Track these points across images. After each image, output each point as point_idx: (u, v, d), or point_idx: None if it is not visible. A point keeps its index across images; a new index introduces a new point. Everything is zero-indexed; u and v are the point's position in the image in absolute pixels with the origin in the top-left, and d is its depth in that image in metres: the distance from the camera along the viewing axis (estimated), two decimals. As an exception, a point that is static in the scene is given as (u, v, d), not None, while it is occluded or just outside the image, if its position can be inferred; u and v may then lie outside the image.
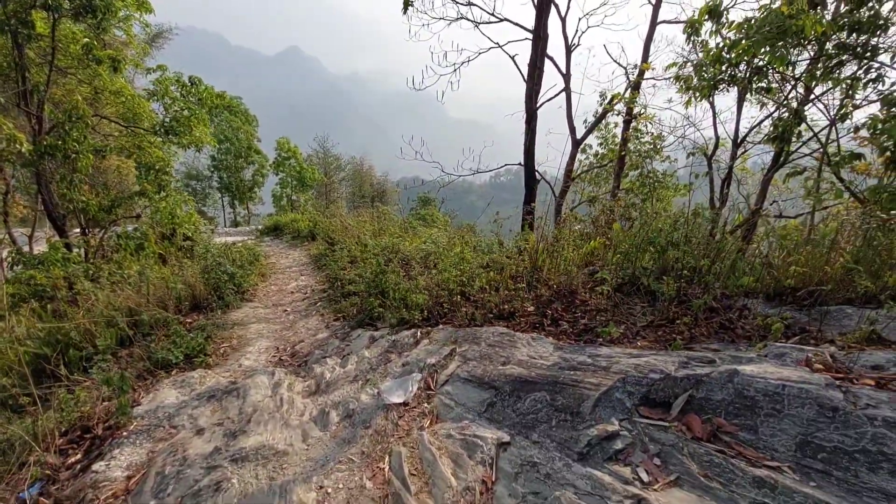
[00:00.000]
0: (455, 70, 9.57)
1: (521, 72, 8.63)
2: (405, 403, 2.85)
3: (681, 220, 4.11)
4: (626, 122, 10.27)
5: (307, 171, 28.48)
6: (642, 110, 9.76)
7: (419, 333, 3.79)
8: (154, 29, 22.61)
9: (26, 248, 8.31)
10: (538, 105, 8.22)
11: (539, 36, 8.20)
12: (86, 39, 7.21)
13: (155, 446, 2.85)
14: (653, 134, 9.56)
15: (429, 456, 2.29)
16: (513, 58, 9.04)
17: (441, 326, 3.93)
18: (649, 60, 10.16)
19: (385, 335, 4.15)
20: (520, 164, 9.78)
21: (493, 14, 9.47)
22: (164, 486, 2.37)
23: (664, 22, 10.42)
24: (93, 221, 8.05)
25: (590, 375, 2.47)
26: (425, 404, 2.83)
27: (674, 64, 6.73)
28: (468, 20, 9.75)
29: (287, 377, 3.73)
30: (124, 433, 2.99)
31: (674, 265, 3.78)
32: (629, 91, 9.99)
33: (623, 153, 10.27)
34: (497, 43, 9.26)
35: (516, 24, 9.35)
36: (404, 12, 8.15)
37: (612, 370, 2.46)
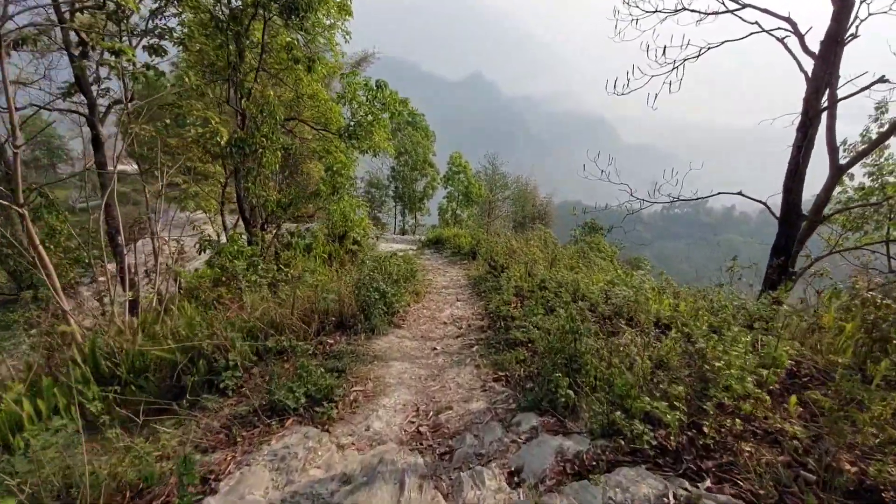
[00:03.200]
0: (675, 68, 7.70)
1: (794, 57, 6.18)
2: None
3: None
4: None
5: (474, 187, 28.40)
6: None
7: (672, 496, 1.94)
8: (361, 52, 25.26)
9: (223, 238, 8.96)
10: (825, 106, 5.53)
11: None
12: (288, 39, 7.25)
13: None
14: None
15: None
16: (782, 41, 6.59)
17: (710, 487, 2.00)
18: None
19: (584, 456, 2.41)
20: (740, 192, 7.46)
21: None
22: None
23: None
24: (272, 217, 8.18)
25: None
26: None
27: None
28: (695, 11, 7.74)
29: (423, 493, 2.30)
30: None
31: None
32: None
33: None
34: (759, 24, 6.85)
35: (765, 11, 6.89)
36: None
37: None
